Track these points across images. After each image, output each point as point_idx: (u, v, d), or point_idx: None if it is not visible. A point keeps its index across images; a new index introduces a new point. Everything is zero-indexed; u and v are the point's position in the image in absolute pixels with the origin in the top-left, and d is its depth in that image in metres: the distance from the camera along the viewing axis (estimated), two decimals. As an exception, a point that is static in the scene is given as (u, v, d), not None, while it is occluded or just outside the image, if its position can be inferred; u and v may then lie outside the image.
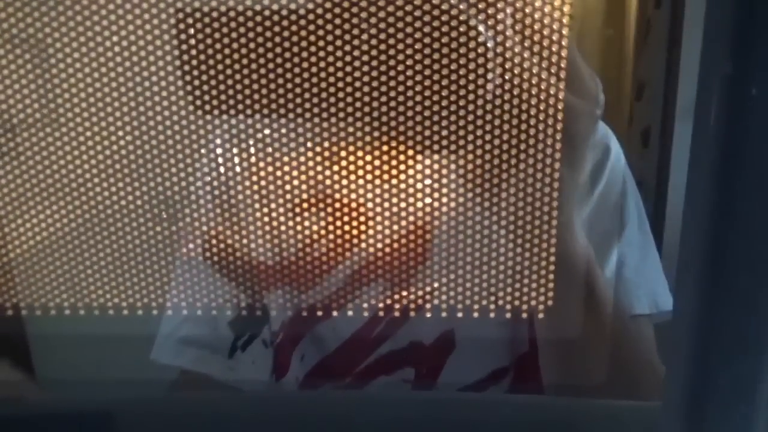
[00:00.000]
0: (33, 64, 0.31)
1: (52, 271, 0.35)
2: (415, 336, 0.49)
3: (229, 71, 0.30)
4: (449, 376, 0.49)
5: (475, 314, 0.35)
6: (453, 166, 0.32)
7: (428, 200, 0.32)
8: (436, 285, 0.33)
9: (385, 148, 0.31)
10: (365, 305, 0.36)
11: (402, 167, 0.31)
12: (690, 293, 0.20)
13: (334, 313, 0.36)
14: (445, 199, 0.33)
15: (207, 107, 0.31)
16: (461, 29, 0.29)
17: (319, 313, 0.36)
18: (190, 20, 0.29)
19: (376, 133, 0.31)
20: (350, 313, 0.36)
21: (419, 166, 0.32)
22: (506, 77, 0.30)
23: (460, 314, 0.34)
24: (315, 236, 0.33)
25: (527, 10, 0.30)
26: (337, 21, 0.29)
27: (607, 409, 0.36)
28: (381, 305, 0.35)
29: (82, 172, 0.33)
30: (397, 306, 0.35)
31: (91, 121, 0.32)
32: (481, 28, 0.29)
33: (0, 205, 0.34)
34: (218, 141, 0.32)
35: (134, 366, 0.45)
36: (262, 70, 0.30)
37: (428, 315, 0.35)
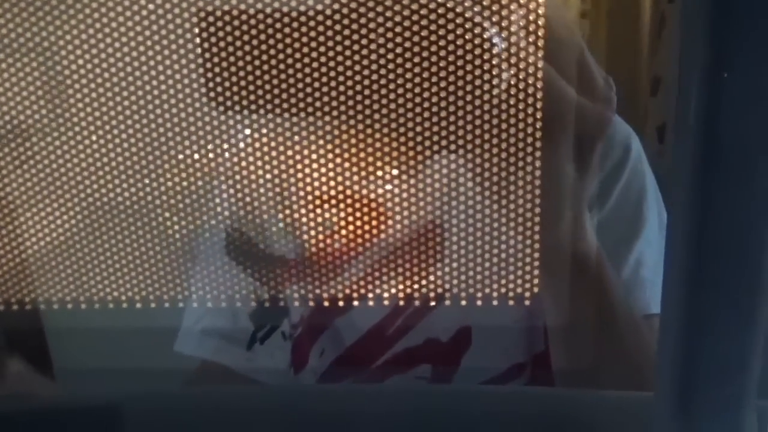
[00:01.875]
0: (42, 71, 0.30)
1: (67, 267, 0.35)
2: (431, 333, 0.49)
3: (243, 70, 0.30)
4: (466, 373, 0.48)
5: (479, 302, 0.34)
6: (461, 162, 0.32)
7: (444, 195, 0.32)
8: (447, 275, 0.33)
9: (400, 143, 0.31)
10: (380, 294, 0.35)
11: (416, 163, 0.31)
12: (676, 283, 0.21)
13: (355, 303, 0.35)
14: (460, 194, 0.32)
15: (223, 104, 0.31)
16: (469, 29, 0.29)
17: (340, 304, 0.36)
18: (196, 20, 0.29)
19: (391, 129, 0.30)
20: (370, 303, 0.36)
21: (433, 162, 0.31)
22: (514, 76, 0.30)
23: (463, 302, 0.33)
24: (334, 229, 0.33)
25: (537, 11, 0.29)
26: (355, 21, 0.29)
27: (618, 400, 0.36)
28: (390, 294, 0.35)
29: (95, 170, 0.33)
30: (408, 295, 0.35)
31: (103, 121, 0.31)
32: (486, 24, 0.29)
33: (16, 203, 0.34)
34: (238, 137, 0.32)
35: (152, 357, 0.45)
36: (279, 69, 0.30)
37: (432, 304, 0.35)
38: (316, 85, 0.30)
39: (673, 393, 0.21)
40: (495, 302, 0.33)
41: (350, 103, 0.30)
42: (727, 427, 0.21)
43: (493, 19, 0.29)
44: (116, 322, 0.38)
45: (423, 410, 0.36)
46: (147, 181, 0.33)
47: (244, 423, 0.36)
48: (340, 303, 0.36)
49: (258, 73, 0.30)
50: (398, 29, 0.29)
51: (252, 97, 0.30)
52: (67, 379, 0.44)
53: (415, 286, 0.35)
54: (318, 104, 0.30)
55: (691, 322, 0.21)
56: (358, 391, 0.43)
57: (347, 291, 0.36)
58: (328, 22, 0.29)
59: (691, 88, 0.19)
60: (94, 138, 0.32)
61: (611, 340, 0.41)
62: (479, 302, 0.33)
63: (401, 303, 0.36)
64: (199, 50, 0.30)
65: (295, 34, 0.29)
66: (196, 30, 0.29)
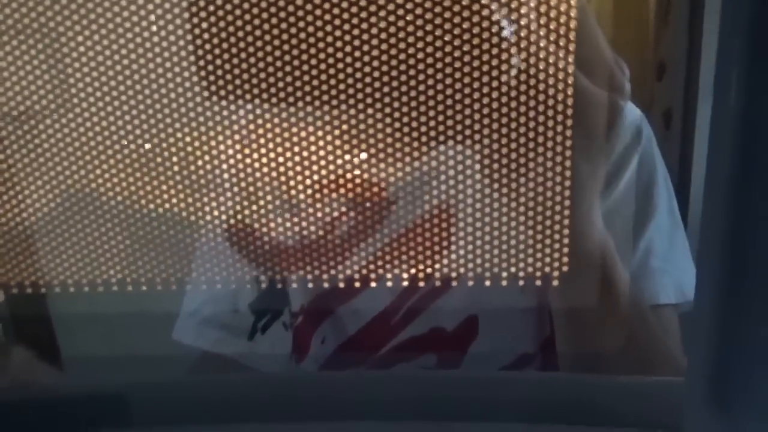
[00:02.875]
0: (46, 53, 0.30)
1: (69, 248, 0.34)
2: (436, 322, 0.47)
3: (246, 56, 0.29)
4: (472, 363, 0.47)
5: (487, 282, 0.33)
6: (474, 149, 0.31)
7: (451, 182, 0.31)
8: (462, 259, 0.32)
9: (405, 130, 0.30)
10: (381, 277, 0.34)
11: (423, 149, 0.31)
12: (712, 276, 0.20)
13: (356, 285, 0.34)
14: (467, 181, 0.31)
15: (223, 92, 0.30)
16: (481, 17, 0.28)
17: (341, 285, 0.35)
18: (202, 3, 0.28)
19: (396, 116, 0.30)
20: (373, 284, 0.35)
21: (440, 148, 0.31)
22: (525, 65, 0.29)
23: (470, 283, 0.32)
24: (336, 216, 0.32)
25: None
26: (363, 5, 0.28)
27: (628, 386, 0.35)
28: (401, 276, 0.34)
29: (99, 153, 0.32)
30: (414, 276, 0.34)
31: (106, 102, 0.31)
32: (497, 15, 0.28)
33: (21, 183, 0.33)
34: (240, 123, 0.31)
35: (158, 344, 0.44)
36: (283, 55, 0.29)
37: (437, 284, 0.34)
38: (318, 73, 0.29)
39: (705, 379, 0.21)
40: (521, 282, 0.31)
41: (352, 90, 0.29)
42: (761, 414, 0.20)
43: (522, 17, 0.28)
44: (123, 308, 0.37)
45: (429, 397, 0.35)
46: (149, 164, 0.32)
47: (248, 410, 0.36)
48: (341, 284, 0.35)
49: (257, 61, 0.29)
50: (408, 15, 0.28)
51: (251, 87, 0.29)
52: (75, 366, 0.43)
53: (432, 269, 0.34)
54: (320, 93, 0.29)
55: (727, 308, 0.20)
56: (364, 378, 0.42)
57: (350, 282, 0.35)
58: (331, 6, 0.28)
59: (729, 86, 0.18)
60: (96, 120, 0.31)
61: (617, 329, 0.40)
62: (504, 282, 0.32)
63: (421, 283, 0.35)
64: (190, 36, 0.29)
65: (297, 21, 0.28)
66: (187, 15, 0.28)
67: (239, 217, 0.34)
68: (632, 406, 0.33)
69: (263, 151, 0.32)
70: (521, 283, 0.32)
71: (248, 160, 0.32)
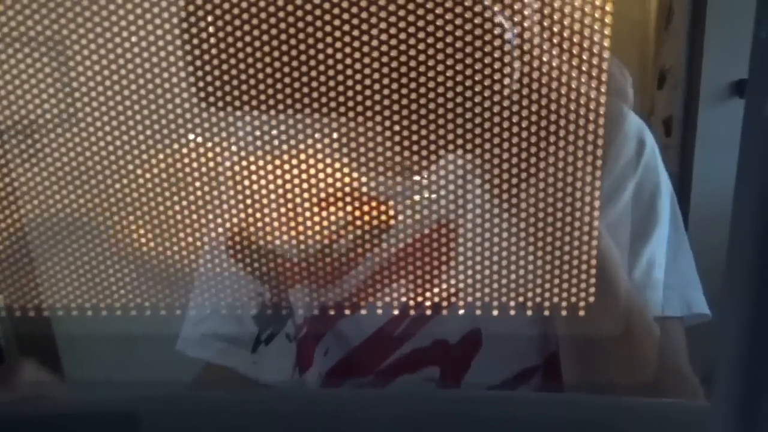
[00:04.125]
0: (52, 65, 0.29)
1: (73, 271, 0.34)
2: (439, 334, 0.47)
3: (249, 67, 0.28)
4: (475, 376, 0.46)
5: (512, 312, 0.32)
6: (480, 163, 0.30)
7: (453, 197, 0.30)
8: (464, 282, 0.31)
9: (409, 144, 0.29)
10: (389, 301, 0.34)
11: (427, 163, 0.30)
12: (740, 284, 0.19)
13: (363, 312, 0.34)
14: (471, 197, 0.31)
15: (225, 103, 0.29)
16: (485, 25, 0.27)
17: (345, 311, 0.35)
18: (201, 14, 0.28)
19: (399, 130, 0.29)
20: (379, 312, 0.34)
21: (445, 163, 0.30)
22: (533, 75, 0.28)
23: (495, 312, 0.31)
24: (338, 232, 0.32)
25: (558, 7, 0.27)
26: (361, 15, 0.27)
27: (639, 407, 0.34)
28: (409, 303, 0.33)
29: (101, 169, 0.31)
30: (423, 303, 0.33)
31: (110, 119, 0.30)
32: (506, 24, 0.27)
33: (21, 203, 0.32)
34: (240, 136, 0.30)
35: (161, 363, 0.44)
36: (283, 66, 0.28)
37: (461, 312, 0.33)
38: (319, 83, 0.28)
39: (732, 403, 0.20)
40: (546, 312, 0.30)
41: (353, 101, 0.28)
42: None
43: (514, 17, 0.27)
44: (127, 330, 0.36)
45: (430, 415, 0.35)
46: (152, 181, 0.31)
47: (251, 427, 0.35)
48: (347, 311, 0.34)
49: (258, 72, 0.28)
50: (399, 25, 0.27)
51: (251, 98, 0.29)
52: (75, 387, 0.43)
53: (428, 293, 0.33)
54: (320, 103, 0.28)
55: (757, 327, 0.18)
56: (364, 396, 0.42)
57: (353, 296, 0.34)
58: (330, 18, 0.27)
59: (764, 94, 0.17)
60: (100, 136, 0.30)
61: (622, 345, 0.39)
62: (529, 312, 0.31)
63: (444, 312, 0.34)
64: (186, 46, 0.28)
65: (298, 31, 0.27)
66: (183, 26, 0.27)
67: (241, 232, 0.33)
68: (644, 428, 0.33)
69: (265, 164, 0.31)
70: (546, 313, 0.31)
71: (251, 173, 0.31)
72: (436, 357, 0.47)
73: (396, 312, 0.45)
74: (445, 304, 0.33)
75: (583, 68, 0.28)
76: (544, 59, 0.28)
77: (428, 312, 0.33)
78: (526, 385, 0.46)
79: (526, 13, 0.27)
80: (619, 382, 0.39)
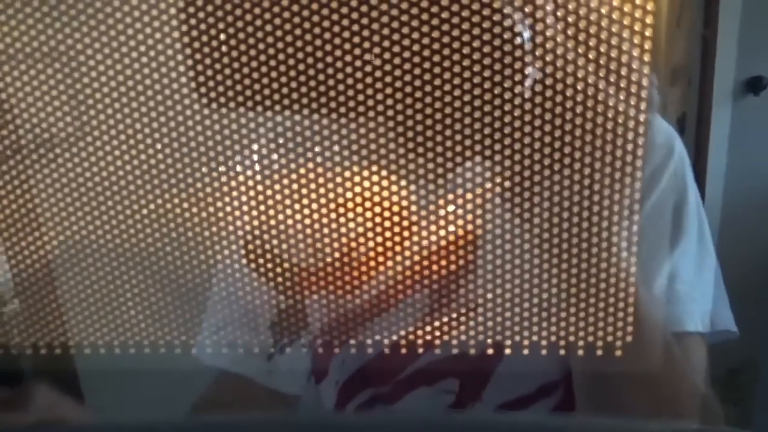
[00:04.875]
0: (64, 79, 0.28)
1: (86, 309, 0.33)
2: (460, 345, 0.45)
3: (262, 70, 0.27)
4: (495, 389, 0.45)
5: (543, 351, 0.31)
6: (500, 171, 0.28)
7: (474, 206, 0.29)
8: (509, 326, 0.30)
9: (425, 150, 0.28)
10: (411, 336, 0.33)
11: (447, 170, 0.28)
12: None
13: (385, 351, 0.34)
14: (492, 207, 0.29)
15: (236, 104, 0.28)
16: (498, 28, 0.25)
17: (369, 351, 0.34)
18: (205, 16, 0.27)
19: (414, 135, 0.28)
20: (403, 351, 0.33)
21: (464, 171, 0.28)
22: (554, 81, 0.26)
23: (525, 351, 0.30)
24: (355, 240, 0.31)
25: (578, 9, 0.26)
26: (371, 14, 0.26)
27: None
28: (424, 339, 0.32)
29: (118, 183, 0.31)
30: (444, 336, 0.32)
31: (123, 131, 0.29)
32: (521, 27, 0.26)
33: (41, 223, 0.31)
34: (259, 144, 0.30)
35: (179, 400, 0.43)
36: (301, 69, 0.27)
37: (490, 352, 0.32)
38: (332, 85, 0.27)
39: None
40: (581, 351, 0.29)
41: (367, 104, 0.27)
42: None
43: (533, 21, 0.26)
44: (144, 365, 0.35)
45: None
46: (167, 190, 0.31)
47: None
48: (369, 350, 0.33)
49: (270, 75, 0.27)
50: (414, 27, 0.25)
51: (264, 100, 0.28)
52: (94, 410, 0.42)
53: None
54: (336, 106, 0.27)
55: None
56: (378, 422, 0.40)
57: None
58: (342, 20, 0.26)
59: None
60: (115, 147, 0.29)
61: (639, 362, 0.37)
62: (561, 351, 0.29)
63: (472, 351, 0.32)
64: (185, 41, 0.27)
65: (314, 36, 0.26)
66: (183, 25, 0.26)
67: (258, 240, 0.32)
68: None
69: (282, 171, 0.30)
70: (580, 352, 0.29)
71: (267, 180, 0.30)
72: (455, 369, 0.46)
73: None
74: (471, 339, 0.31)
75: (617, 81, 0.27)
76: (565, 64, 0.26)
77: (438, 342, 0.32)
78: (544, 401, 0.45)
79: (548, 20, 0.26)
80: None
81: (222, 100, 0.28)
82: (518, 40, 0.26)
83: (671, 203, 0.44)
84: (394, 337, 0.46)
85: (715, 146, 0.99)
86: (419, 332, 0.32)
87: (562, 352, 0.29)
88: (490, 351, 0.30)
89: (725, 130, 1.00)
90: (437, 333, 0.32)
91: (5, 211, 0.30)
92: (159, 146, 0.30)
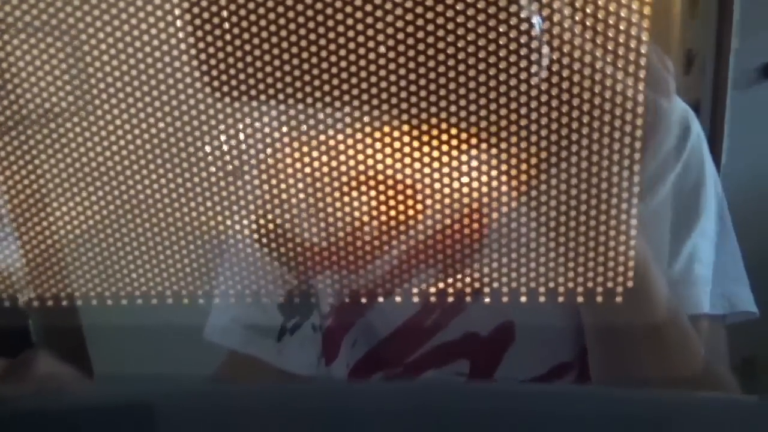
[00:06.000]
0: (65, 53, 0.28)
1: (91, 259, 0.32)
2: (470, 327, 0.44)
3: (269, 56, 0.27)
4: (507, 371, 0.44)
5: (541, 298, 0.30)
6: (510, 148, 0.28)
7: (485, 180, 0.29)
8: (494, 268, 0.29)
9: (437, 129, 0.28)
10: (415, 290, 0.32)
11: (456, 147, 0.28)
12: None
13: (384, 299, 0.32)
14: (501, 183, 0.29)
15: (239, 93, 0.28)
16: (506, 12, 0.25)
17: (368, 299, 0.33)
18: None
19: (427, 115, 0.27)
20: (398, 299, 0.32)
21: (475, 145, 0.28)
22: (564, 63, 0.26)
23: (523, 298, 0.29)
24: (365, 218, 0.30)
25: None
26: (382, 4, 0.25)
27: (677, 401, 0.32)
28: (435, 290, 0.31)
29: (120, 159, 0.30)
30: (452, 290, 0.31)
31: (127, 107, 0.29)
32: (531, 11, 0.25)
33: (47, 191, 0.31)
34: (264, 123, 0.29)
35: (184, 355, 0.42)
36: (311, 54, 0.27)
37: (486, 300, 0.31)
38: (339, 70, 0.27)
39: None
40: (580, 299, 0.28)
41: (376, 88, 0.27)
42: None
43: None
44: (154, 320, 0.35)
45: (461, 409, 0.33)
46: (175, 169, 0.30)
47: (271, 421, 0.34)
48: (367, 299, 0.33)
49: (279, 60, 0.27)
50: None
51: (270, 87, 0.27)
52: (102, 374, 0.41)
53: (457, 280, 0.31)
54: (343, 91, 0.27)
55: None
56: (392, 389, 0.40)
57: (380, 285, 0.32)
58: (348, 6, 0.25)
59: None
60: (117, 125, 0.29)
61: (654, 343, 0.36)
62: (561, 299, 0.29)
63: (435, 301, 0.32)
64: (190, 29, 0.26)
65: (320, 23, 0.26)
66: (187, 13, 0.26)
67: (267, 218, 0.31)
68: (683, 423, 0.30)
69: (290, 149, 0.29)
70: (580, 299, 0.28)
71: (276, 158, 0.30)
72: (466, 350, 0.45)
73: (419, 300, 0.43)
74: (473, 291, 0.31)
75: (620, 58, 0.26)
76: (576, 48, 0.26)
77: (453, 299, 0.32)
78: (559, 381, 0.44)
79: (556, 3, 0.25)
80: (651, 375, 0.37)
81: (226, 89, 0.27)
82: (526, 26, 0.25)
83: (690, 184, 0.43)
84: (405, 315, 0.45)
85: (731, 133, 0.97)
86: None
87: (561, 299, 0.28)
88: (487, 300, 0.30)
89: (741, 117, 0.98)
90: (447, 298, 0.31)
91: (11, 177, 0.29)
92: (162, 124, 0.29)
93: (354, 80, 0.27)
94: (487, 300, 0.30)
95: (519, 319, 0.43)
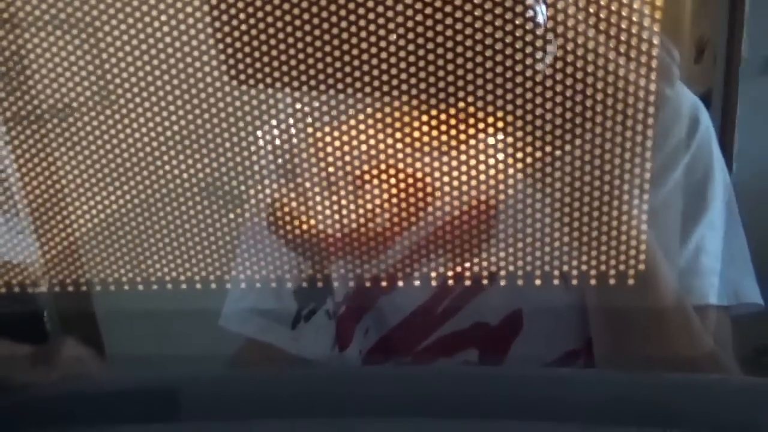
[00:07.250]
0: (86, 47, 0.28)
1: (110, 246, 0.33)
2: (480, 316, 0.44)
3: (286, 44, 0.27)
4: (515, 359, 0.44)
5: (555, 281, 0.30)
6: (521, 136, 0.28)
7: (500, 167, 0.29)
8: (509, 252, 0.29)
9: (448, 117, 0.28)
10: (431, 274, 0.32)
11: (470, 134, 0.28)
12: None
13: (400, 283, 0.32)
14: (512, 171, 0.29)
15: (256, 81, 0.28)
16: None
17: (382, 284, 0.33)
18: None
19: (439, 104, 0.28)
20: (416, 282, 0.33)
21: (485, 132, 0.28)
22: (570, 54, 0.26)
23: (538, 281, 0.29)
24: (378, 206, 0.31)
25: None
26: None
27: (687, 384, 0.32)
28: (451, 273, 0.32)
29: (139, 149, 0.31)
30: (468, 274, 0.31)
31: (146, 100, 0.29)
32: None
33: (66, 182, 0.31)
34: (280, 112, 0.29)
35: (201, 340, 0.43)
36: (324, 43, 0.27)
37: (503, 283, 0.31)
38: (354, 59, 0.27)
39: None
40: (593, 281, 0.29)
41: (390, 76, 0.27)
42: None
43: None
44: (165, 305, 0.35)
45: (472, 394, 0.33)
46: (191, 159, 0.31)
47: (288, 405, 0.34)
48: (382, 285, 0.33)
49: (294, 49, 0.27)
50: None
51: (288, 75, 0.27)
52: (121, 361, 0.42)
53: (467, 267, 0.31)
54: (357, 80, 0.27)
55: None
56: (405, 373, 0.40)
57: (392, 270, 0.33)
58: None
59: None
60: (137, 117, 0.29)
61: (659, 334, 0.36)
62: (574, 281, 0.29)
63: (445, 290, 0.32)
64: (210, 19, 0.27)
65: (334, 11, 0.26)
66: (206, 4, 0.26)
67: (282, 206, 0.32)
68: (693, 404, 0.30)
69: (305, 138, 0.30)
70: (593, 282, 0.29)
71: (291, 147, 0.30)
72: (475, 339, 0.45)
73: (435, 289, 0.43)
74: (489, 275, 0.31)
75: (631, 48, 0.26)
76: (585, 36, 0.26)
77: (465, 287, 0.32)
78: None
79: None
80: (654, 354, 0.37)
81: (245, 77, 0.27)
82: (531, 13, 0.26)
83: (698, 175, 0.43)
84: (415, 303, 0.45)
85: (743, 124, 0.96)
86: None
87: (574, 282, 0.29)
88: (502, 282, 0.30)
89: (753, 108, 0.96)
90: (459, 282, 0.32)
91: (29, 170, 0.30)
92: (181, 114, 0.29)
93: (366, 68, 0.27)
94: (502, 283, 0.31)
95: (528, 307, 0.43)
